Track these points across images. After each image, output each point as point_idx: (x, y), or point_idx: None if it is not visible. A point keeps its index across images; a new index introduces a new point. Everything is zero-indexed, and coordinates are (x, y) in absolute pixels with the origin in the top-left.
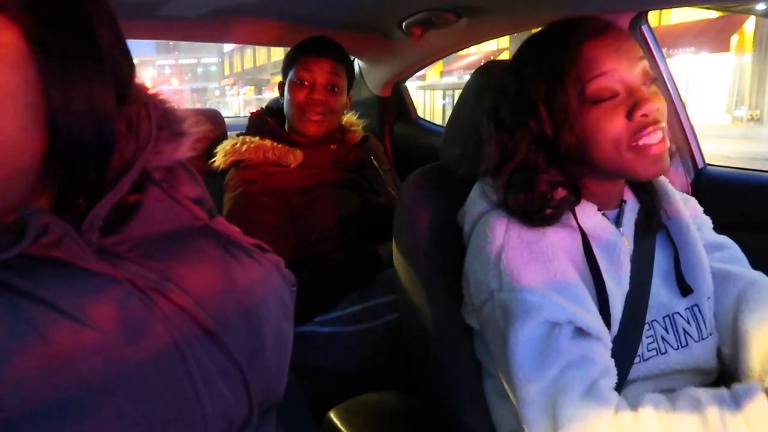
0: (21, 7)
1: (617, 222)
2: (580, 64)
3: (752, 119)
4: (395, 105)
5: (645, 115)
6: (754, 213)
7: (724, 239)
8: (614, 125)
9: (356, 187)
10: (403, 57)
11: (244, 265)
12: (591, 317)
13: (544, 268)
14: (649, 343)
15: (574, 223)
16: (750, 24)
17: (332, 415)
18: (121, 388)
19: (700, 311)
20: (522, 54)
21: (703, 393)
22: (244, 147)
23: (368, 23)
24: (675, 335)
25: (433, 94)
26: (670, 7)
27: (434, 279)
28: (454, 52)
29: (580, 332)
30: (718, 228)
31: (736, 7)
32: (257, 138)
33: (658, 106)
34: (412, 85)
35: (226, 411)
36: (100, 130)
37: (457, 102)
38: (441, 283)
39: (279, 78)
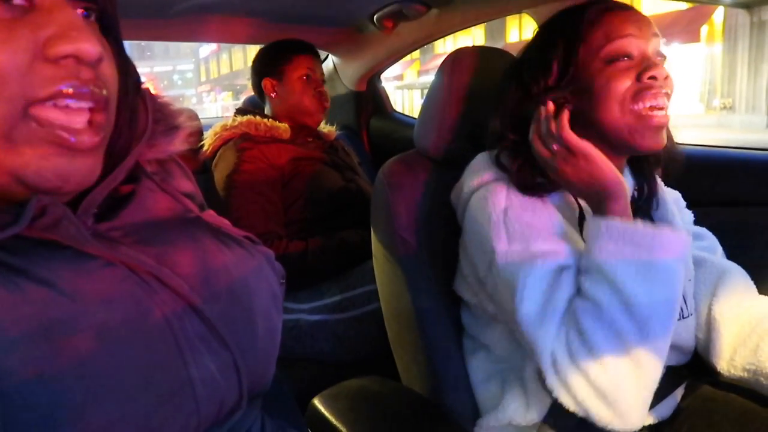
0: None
1: None
2: (602, 28)
3: (725, 108)
4: (371, 99)
5: (653, 78)
6: (717, 187)
7: (703, 230)
8: (622, 83)
9: (338, 166)
10: (376, 51)
11: (237, 256)
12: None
13: (549, 220)
14: None
15: (571, 198)
16: (719, 14)
17: (316, 402)
18: (117, 366)
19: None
20: (547, 22)
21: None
22: (236, 122)
23: (340, 18)
24: None
25: (411, 93)
26: None
27: (412, 263)
28: (427, 43)
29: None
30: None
31: None
32: (246, 116)
33: (667, 75)
34: (390, 85)
35: (217, 394)
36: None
37: (429, 88)
38: (419, 267)
39: None
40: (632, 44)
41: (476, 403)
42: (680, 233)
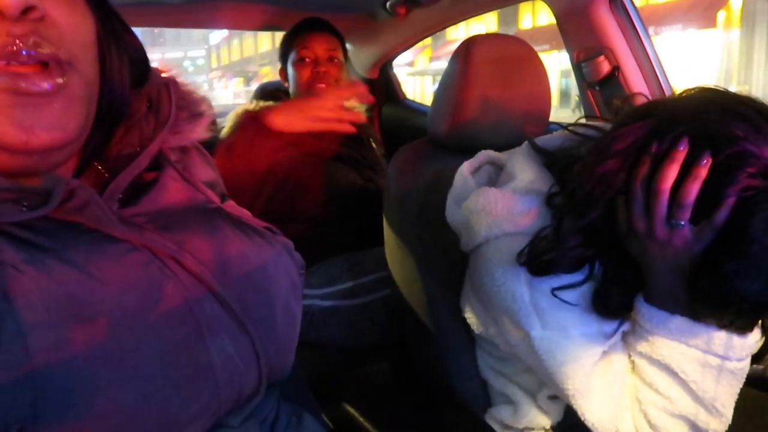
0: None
1: None
2: None
3: None
4: (383, 87)
5: None
6: None
7: None
8: None
9: (355, 163)
10: (388, 37)
11: (257, 245)
12: None
13: (575, 291)
14: None
15: None
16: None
17: (329, 386)
18: (139, 348)
19: None
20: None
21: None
22: (258, 107)
23: (353, 4)
24: None
25: (423, 80)
26: None
27: (423, 251)
28: (440, 30)
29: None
30: None
31: None
32: (267, 102)
33: None
34: (401, 71)
35: (236, 378)
36: (125, 96)
37: (443, 75)
38: (430, 256)
39: (267, 69)
40: None
41: (488, 394)
42: (750, 337)
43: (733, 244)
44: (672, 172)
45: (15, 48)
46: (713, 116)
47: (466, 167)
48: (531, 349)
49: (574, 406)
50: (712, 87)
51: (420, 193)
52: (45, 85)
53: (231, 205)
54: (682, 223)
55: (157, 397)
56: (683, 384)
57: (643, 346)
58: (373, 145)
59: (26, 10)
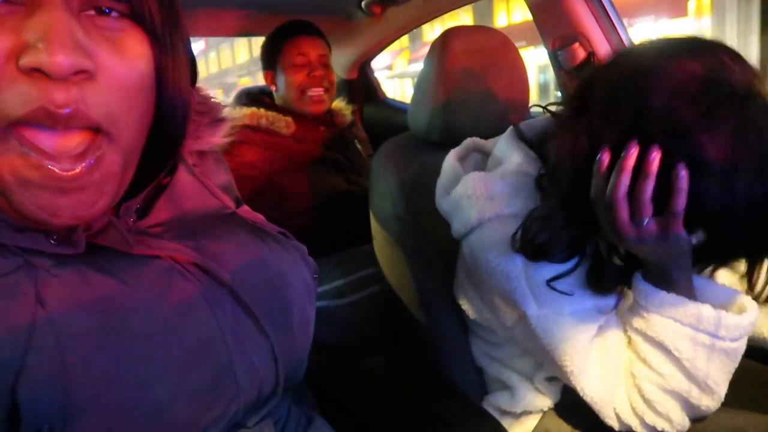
0: (148, 17)
1: None
2: None
3: None
4: (363, 86)
5: None
6: None
7: None
8: None
9: (341, 166)
10: (366, 37)
11: (273, 250)
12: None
13: (572, 273)
14: None
15: None
16: None
17: (325, 385)
18: (167, 352)
19: None
20: None
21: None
22: (240, 113)
23: (329, 5)
24: None
25: (402, 82)
26: None
27: (411, 244)
28: (416, 27)
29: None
30: None
31: None
32: (252, 108)
33: None
34: (380, 75)
35: (256, 380)
36: (185, 110)
37: (421, 71)
38: (419, 248)
39: (246, 80)
40: None
41: (484, 381)
42: (744, 317)
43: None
44: (624, 182)
45: (52, 118)
46: (658, 109)
47: (453, 155)
48: (528, 330)
49: (573, 383)
50: (665, 39)
51: (406, 187)
52: (77, 169)
53: (245, 210)
54: (646, 220)
55: (180, 399)
56: (676, 361)
57: (638, 323)
58: (359, 146)
59: (76, 72)
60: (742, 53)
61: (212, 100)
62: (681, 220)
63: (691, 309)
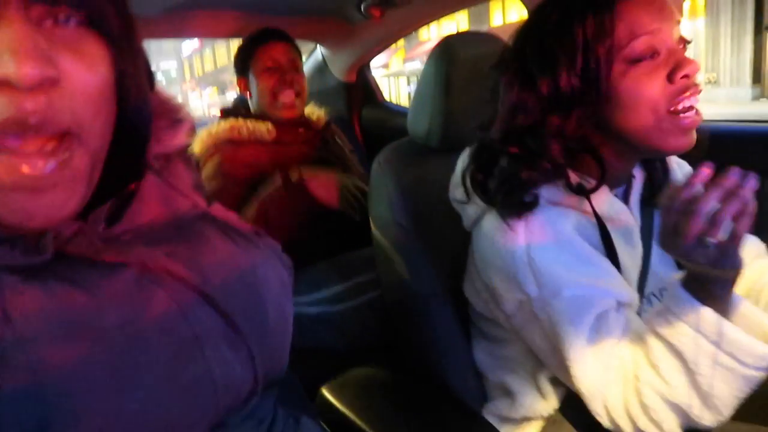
0: (105, 24)
1: (625, 199)
2: (623, 20)
3: (709, 82)
4: (361, 89)
5: (687, 77)
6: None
7: None
8: (652, 87)
9: (326, 163)
10: (364, 40)
11: (244, 249)
12: (624, 287)
13: (575, 257)
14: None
15: (588, 208)
16: None
17: (324, 391)
18: (139, 360)
19: None
20: (558, 6)
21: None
22: (220, 128)
23: (327, 8)
24: None
25: (398, 81)
26: None
27: (411, 250)
28: (415, 29)
29: (619, 304)
30: None
31: None
32: (230, 119)
33: (697, 67)
34: (376, 73)
35: (234, 383)
36: (148, 113)
37: (420, 76)
38: (419, 254)
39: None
40: (659, 39)
41: (484, 389)
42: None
43: None
44: (715, 197)
45: (23, 125)
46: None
47: (468, 151)
48: (530, 314)
49: (569, 372)
50: None
51: (406, 193)
52: (48, 167)
53: (217, 208)
54: (715, 240)
55: (158, 404)
56: (690, 374)
57: (664, 329)
58: (339, 141)
59: (43, 81)
60: (736, 54)
61: (170, 102)
62: (742, 244)
63: (723, 329)
